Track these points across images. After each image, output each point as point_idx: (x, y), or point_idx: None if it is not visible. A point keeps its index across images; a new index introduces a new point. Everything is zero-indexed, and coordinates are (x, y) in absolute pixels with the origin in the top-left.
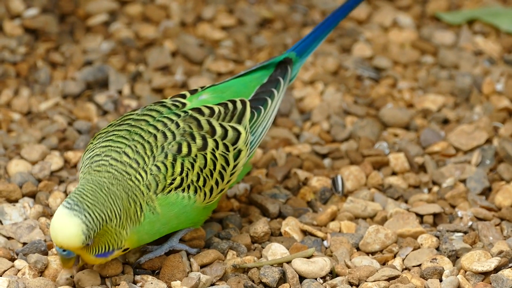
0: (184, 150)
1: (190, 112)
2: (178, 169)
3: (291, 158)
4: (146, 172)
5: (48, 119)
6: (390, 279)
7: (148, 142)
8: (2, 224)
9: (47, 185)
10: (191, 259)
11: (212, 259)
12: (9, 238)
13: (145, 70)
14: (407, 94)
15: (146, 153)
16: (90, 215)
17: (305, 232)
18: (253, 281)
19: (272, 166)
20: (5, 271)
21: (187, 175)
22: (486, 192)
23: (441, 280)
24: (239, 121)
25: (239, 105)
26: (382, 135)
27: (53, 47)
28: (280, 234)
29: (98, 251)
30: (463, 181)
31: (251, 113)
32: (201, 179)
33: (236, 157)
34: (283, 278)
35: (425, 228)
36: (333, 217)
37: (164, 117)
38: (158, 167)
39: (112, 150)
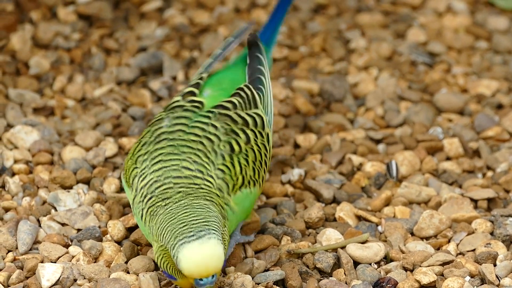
0: (236, 148)
1: (215, 111)
2: (238, 168)
3: (345, 144)
4: (212, 177)
5: (102, 105)
6: (444, 264)
7: (199, 150)
8: (56, 210)
9: (101, 171)
10: (246, 245)
11: (266, 245)
12: (63, 224)
13: (199, 56)
14: (461, 79)
15: (203, 160)
16: (217, 228)
17: (359, 218)
18: (307, 266)
19: (326, 151)
20: (60, 257)
21: (246, 172)
22: None
23: (495, 265)
24: (256, 106)
25: (248, 91)
26: (436, 120)
27: (107, 34)
28: (335, 220)
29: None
30: None
31: (258, 95)
32: (256, 172)
33: (268, 141)
34: (337, 264)
35: (479, 213)
36: (387, 202)
37: (197, 121)
38: (222, 170)
39: (169, 170)
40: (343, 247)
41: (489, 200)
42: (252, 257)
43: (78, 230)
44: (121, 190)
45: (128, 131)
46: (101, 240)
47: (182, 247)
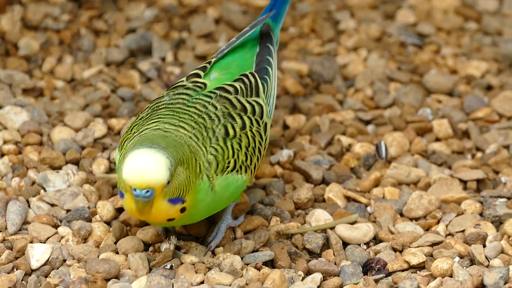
0: (231, 132)
1: (218, 92)
2: (230, 151)
3: (334, 125)
4: (206, 148)
5: (92, 86)
6: (433, 244)
7: (200, 122)
8: (45, 191)
9: (90, 152)
10: (235, 226)
11: (255, 226)
12: (52, 205)
13: (188, 37)
14: (450, 60)
15: (201, 131)
16: (168, 152)
17: (348, 198)
18: (296, 247)
19: (315, 132)
20: (49, 237)
21: (238, 157)
22: None
23: (484, 246)
24: (257, 95)
25: (252, 79)
26: (425, 101)
27: (96, 15)
28: (324, 201)
29: (170, 194)
30: (507, 147)
31: (261, 84)
32: (248, 158)
33: (265, 131)
34: (326, 244)
35: (468, 194)
36: (376, 183)
37: (198, 99)
38: (216, 149)
39: (164, 123)
40: (332, 228)
41: (479, 181)
42: (241, 238)
43: (67, 210)
44: (110, 170)
45: (117, 112)
46: (90, 221)
47: (131, 152)
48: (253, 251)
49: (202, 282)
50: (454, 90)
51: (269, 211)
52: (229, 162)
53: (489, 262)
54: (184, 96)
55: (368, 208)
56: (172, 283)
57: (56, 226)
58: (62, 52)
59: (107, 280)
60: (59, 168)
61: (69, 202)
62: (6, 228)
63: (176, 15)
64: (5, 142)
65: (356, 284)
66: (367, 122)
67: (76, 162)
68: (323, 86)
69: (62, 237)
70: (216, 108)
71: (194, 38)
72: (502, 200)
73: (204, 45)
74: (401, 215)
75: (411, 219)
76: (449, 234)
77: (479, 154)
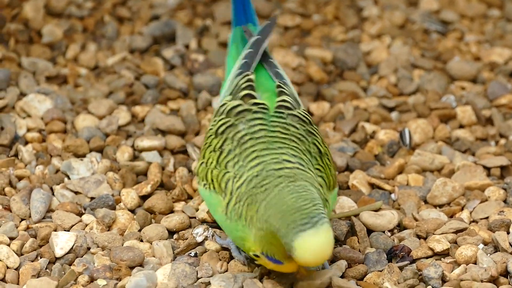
0: (321, 148)
1: (285, 111)
2: (327, 168)
3: (358, 112)
4: (313, 172)
5: (116, 73)
6: (457, 231)
7: (295, 146)
8: (69, 178)
9: (114, 139)
10: None
11: None
12: (76, 192)
13: (212, 25)
14: (474, 47)
15: (302, 157)
16: (325, 214)
17: (372, 185)
18: None
19: (339, 119)
20: (73, 225)
21: (331, 171)
22: None
23: (508, 233)
24: (299, 104)
25: (286, 90)
26: (449, 88)
27: (120, 2)
28: (348, 188)
29: None
30: None
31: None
32: (332, 169)
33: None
34: (350, 231)
35: (492, 181)
36: (400, 170)
37: (274, 122)
38: (319, 170)
39: (269, 163)
40: (356, 215)
41: (502, 168)
42: None
43: (91, 198)
44: (134, 158)
45: (141, 99)
46: (114, 209)
47: (297, 236)
48: None
49: (226, 270)
50: (478, 77)
51: None
52: (329, 181)
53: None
54: (260, 122)
55: (392, 195)
56: (197, 271)
57: (80, 214)
58: (85, 39)
59: (132, 268)
60: (83, 156)
61: (93, 190)
62: (30, 216)
63: (200, 2)
64: (28, 130)
65: (381, 271)
66: (391, 109)
67: (100, 150)
68: (347, 73)
69: (86, 225)
70: (297, 128)
71: (218, 25)
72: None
73: (228, 32)
74: (425, 202)
75: (435, 206)
76: (473, 221)
77: (502, 141)
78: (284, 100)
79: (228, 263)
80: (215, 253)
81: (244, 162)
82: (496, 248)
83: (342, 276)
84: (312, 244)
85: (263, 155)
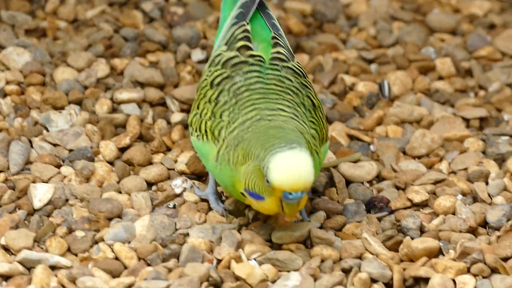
0: (315, 102)
1: (279, 63)
2: (321, 121)
3: (337, 64)
4: (306, 124)
5: (95, 26)
6: (436, 182)
7: (290, 99)
8: (48, 131)
9: (93, 92)
10: None
11: None
12: (55, 145)
13: None
14: None
15: (296, 109)
16: (307, 149)
17: (351, 137)
18: None
19: (318, 71)
20: (51, 177)
21: (323, 124)
22: None
23: (487, 183)
24: (293, 56)
25: (281, 40)
26: (428, 40)
27: None
28: None
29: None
30: (510, 85)
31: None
32: (325, 122)
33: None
34: (329, 183)
35: (471, 132)
36: (379, 122)
37: (269, 75)
38: (313, 122)
39: (263, 109)
40: (335, 166)
41: (481, 119)
42: None
43: (70, 150)
44: (113, 111)
45: (120, 52)
46: (93, 160)
47: (274, 156)
48: None
49: (205, 221)
50: (457, 29)
51: None
52: (323, 134)
53: (491, 199)
54: (256, 74)
55: (371, 147)
56: (175, 222)
57: (58, 166)
58: None
59: (110, 219)
60: (62, 108)
61: (71, 142)
62: (8, 168)
63: None
64: (7, 83)
65: (360, 222)
66: (370, 61)
67: (79, 102)
68: (326, 25)
69: (65, 177)
70: (291, 80)
71: None
72: (504, 138)
73: None
74: (404, 153)
75: (414, 157)
76: (452, 172)
77: (482, 93)
78: (278, 52)
79: (206, 214)
80: (193, 204)
81: (239, 109)
82: (475, 199)
83: (321, 227)
84: (287, 163)
85: (259, 103)
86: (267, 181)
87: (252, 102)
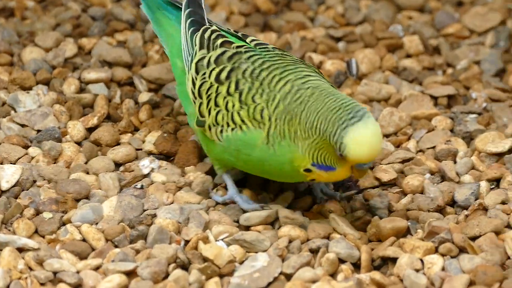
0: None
1: (267, 46)
2: None
3: (305, 42)
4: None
5: (63, 6)
6: (404, 161)
7: (303, 69)
8: (16, 111)
9: (61, 72)
10: None
11: None
12: (23, 125)
13: None
14: None
15: (316, 73)
16: (370, 113)
17: None
18: None
19: (287, 49)
20: (19, 158)
21: None
22: (500, 73)
23: (455, 162)
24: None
25: (243, 33)
26: (396, 17)
27: None
28: None
29: None
30: (477, 62)
31: None
32: None
33: None
34: None
35: (439, 110)
36: None
37: (271, 55)
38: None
39: (295, 80)
40: None
41: (449, 97)
42: None
43: (38, 131)
44: (81, 90)
45: (88, 31)
46: (60, 141)
47: (347, 132)
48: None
49: (173, 202)
50: (425, 6)
51: None
52: None
53: (460, 178)
54: (259, 57)
55: None
56: (143, 203)
57: (26, 147)
58: None
59: (78, 200)
60: (30, 88)
61: (39, 123)
62: None
63: None
64: None
65: (328, 201)
66: (338, 39)
67: (46, 82)
68: (294, 3)
69: (32, 158)
70: (290, 55)
71: None
72: (472, 116)
73: None
74: None
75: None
76: (420, 151)
77: (449, 70)
78: (254, 39)
79: (174, 195)
80: (161, 185)
81: (270, 88)
82: (443, 178)
83: (289, 207)
84: (363, 137)
85: (285, 76)
86: (341, 155)
87: (278, 77)
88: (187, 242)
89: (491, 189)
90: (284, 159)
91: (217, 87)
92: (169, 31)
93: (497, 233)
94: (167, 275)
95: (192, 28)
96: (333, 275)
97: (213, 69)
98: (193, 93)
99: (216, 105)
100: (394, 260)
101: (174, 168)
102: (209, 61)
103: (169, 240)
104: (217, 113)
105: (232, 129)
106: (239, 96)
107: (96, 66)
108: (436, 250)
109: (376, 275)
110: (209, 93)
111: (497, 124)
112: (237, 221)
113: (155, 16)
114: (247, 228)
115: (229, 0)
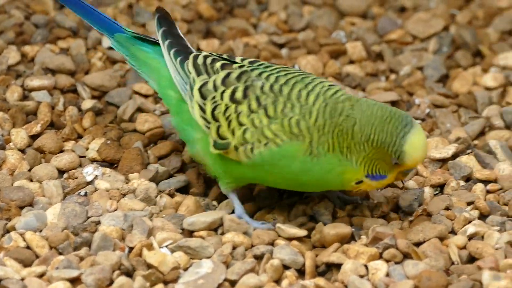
0: None
1: (261, 63)
2: None
3: (248, 49)
4: None
5: (5, 13)
6: None
7: (314, 78)
8: None
9: (4, 79)
10: (149, 151)
11: (169, 151)
12: None
13: None
14: None
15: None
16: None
17: None
18: None
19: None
20: None
21: None
22: (443, 79)
23: None
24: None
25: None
26: (339, 24)
27: None
28: None
29: None
30: (421, 68)
31: None
32: None
33: None
34: None
35: None
36: None
37: (274, 68)
38: None
39: (323, 93)
40: None
41: (393, 103)
42: (156, 163)
43: None
44: (24, 98)
45: (31, 39)
46: (4, 149)
47: (405, 140)
48: (168, 177)
49: (116, 209)
50: (368, 12)
51: None
52: None
53: (403, 184)
54: (267, 73)
55: None
56: (87, 210)
57: None
58: None
59: (21, 208)
60: None
61: None
62: None
63: None
64: None
65: (273, 208)
66: (281, 46)
67: None
68: (237, 10)
69: None
70: (288, 67)
71: None
72: (416, 121)
73: None
74: None
75: None
76: None
77: (393, 76)
78: (243, 58)
79: (118, 201)
80: (105, 192)
81: (299, 101)
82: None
83: (233, 213)
84: (419, 142)
85: (311, 89)
86: (396, 163)
87: (306, 91)
88: (131, 249)
89: (435, 194)
90: (331, 170)
91: (236, 107)
92: (151, 65)
93: (441, 238)
94: (111, 282)
95: (179, 58)
96: (277, 281)
97: (224, 91)
98: (205, 119)
99: (241, 124)
100: (338, 266)
101: (118, 175)
102: (215, 84)
103: (113, 247)
104: (244, 132)
105: (265, 144)
106: (265, 112)
107: (39, 73)
108: (380, 256)
109: (321, 281)
110: (227, 114)
111: (440, 130)
112: (181, 227)
113: (130, 52)
114: (191, 233)
115: (172, 6)
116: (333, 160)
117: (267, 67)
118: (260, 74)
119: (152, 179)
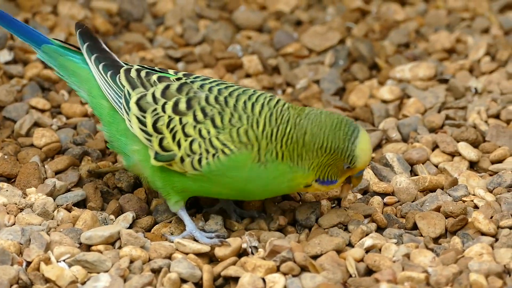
0: None
1: (193, 74)
2: None
3: (145, 63)
4: None
5: None
6: None
7: (250, 88)
8: None
9: None
10: (46, 166)
11: (66, 165)
12: None
13: None
14: None
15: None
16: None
17: None
18: (108, 186)
19: None
20: None
21: None
22: (340, 92)
23: None
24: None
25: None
26: (235, 37)
27: None
28: None
29: None
30: (317, 81)
31: None
32: None
33: None
34: (138, 183)
35: None
36: None
37: (211, 81)
38: None
39: (267, 104)
40: None
41: None
42: (53, 178)
43: None
44: None
45: None
46: None
47: (356, 144)
48: (65, 192)
49: (14, 224)
50: (264, 26)
51: (80, 150)
52: None
53: (300, 197)
54: (208, 85)
55: None
56: None
57: None
58: None
59: None
60: None
61: None
62: None
63: None
64: None
65: (170, 222)
66: (177, 60)
67: None
68: (133, 24)
69: None
70: (223, 81)
71: None
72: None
73: None
74: None
75: None
76: None
77: (289, 90)
78: (176, 71)
79: (15, 216)
80: (2, 206)
81: (246, 112)
82: (284, 196)
83: (130, 227)
84: (368, 145)
85: (255, 100)
86: (348, 167)
87: (250, 102)
88: (29, 263)
89: (332, 207)
90: (279, 177)
91: (180, 118)
92: (81, 75)
93: (339, 251)
94: None
95: (109, 72)
96: None
97: (165, 103)
98: (145, 131)
99: (187, 135)
100: (236, 279)
101: (15, 190)
102: (154, 97)
103: (11, 261)
104: (191, 143)
105: (214, 155)
106: (212, 122)
107: None
108: (277, 269)
109: None
110: (171, 126)
111: None
112: (79, 241)
113: (58, 63)
114: (89, 247)
115: (68, 21)
116: (282, 167)
117: (204, 79)
118: (201, 86)
119: (49, 194)
